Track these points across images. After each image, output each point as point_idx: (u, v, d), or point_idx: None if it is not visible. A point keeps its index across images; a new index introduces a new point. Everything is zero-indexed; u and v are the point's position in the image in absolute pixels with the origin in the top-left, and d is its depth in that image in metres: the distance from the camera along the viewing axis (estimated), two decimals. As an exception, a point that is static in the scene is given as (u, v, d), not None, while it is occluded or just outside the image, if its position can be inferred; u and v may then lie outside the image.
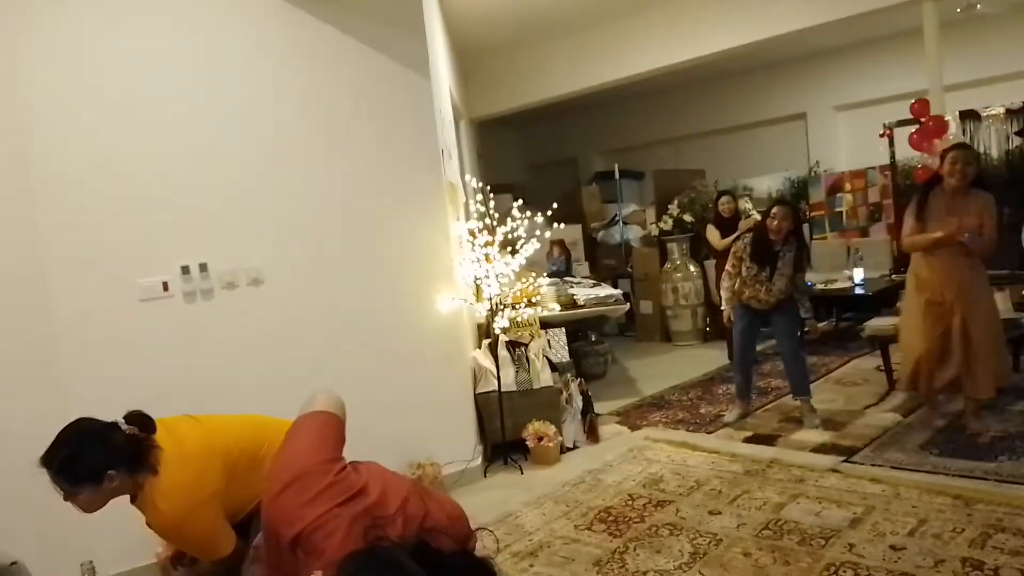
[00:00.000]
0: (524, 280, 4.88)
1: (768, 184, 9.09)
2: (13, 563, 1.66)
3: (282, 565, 1.36)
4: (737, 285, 4.69)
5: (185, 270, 3.48)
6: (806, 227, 7.44)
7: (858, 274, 6.63)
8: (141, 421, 2.06)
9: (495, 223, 4.52)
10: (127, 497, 2.09)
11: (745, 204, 7.56)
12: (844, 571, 2.85)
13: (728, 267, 4.74)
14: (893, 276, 6.83)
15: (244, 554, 2.20)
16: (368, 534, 1.30)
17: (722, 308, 4.87)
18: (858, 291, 6.47)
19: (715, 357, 6.66)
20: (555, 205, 4.98)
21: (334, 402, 1.61)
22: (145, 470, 2.01)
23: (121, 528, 2.57)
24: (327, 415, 1.56)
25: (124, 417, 2.05)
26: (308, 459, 1.42)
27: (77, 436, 1.96)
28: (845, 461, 3.95)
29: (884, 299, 6.30)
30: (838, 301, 7.20)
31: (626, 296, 6.59)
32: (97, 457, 1.94)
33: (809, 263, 4.90)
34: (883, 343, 5.18)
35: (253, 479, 2.16)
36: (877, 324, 5.23)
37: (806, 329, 4.88)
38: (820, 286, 6.66)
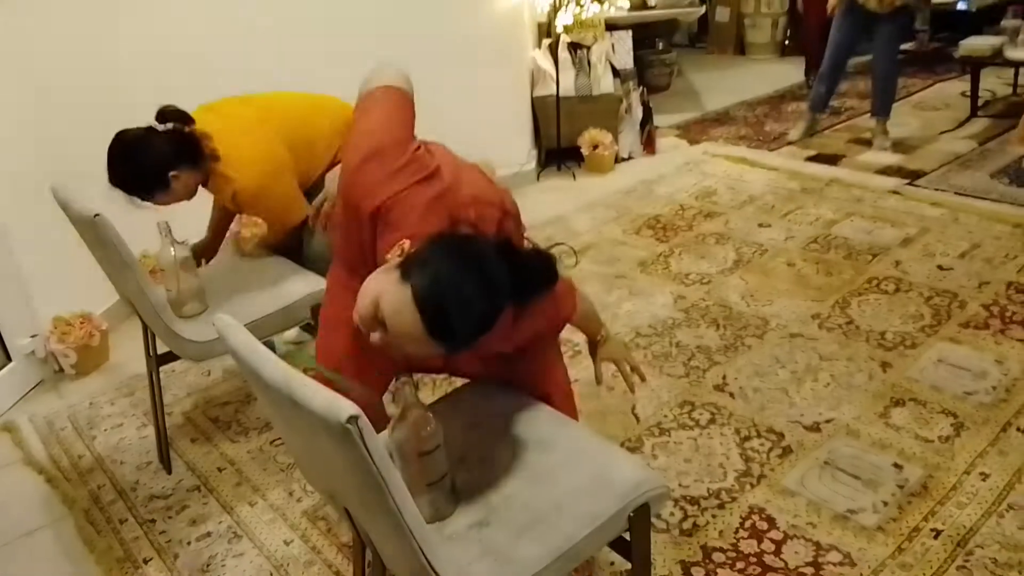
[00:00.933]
0: (592, -26, 4.47)
1: None
2: (96, 215, 1.76)
3: (360, 236, 1.39)
4: None
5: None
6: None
7: (965, -14, 5.93)
8: (175, 115, 2.02)
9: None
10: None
11: None
12: (886, 284, 2.92)
13: None
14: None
15: (305, 223, 2.31)
16: (451, 217, 1.30)
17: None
18: (960, 6, 5.83)
19: (790, 73, 6.26)
20: None
21: (403, 77, 1.54)
22: (204, 159, 2.04)
23: (194, 201, 2.72)
24: (399, 92, 1.50)
25: (156, 116, 2.00)
26: (385, 135, 1.39)
27: (124, 152, 1.96)
28: (909, 184, 3.86)
29: (988, 17, 5.68)
30: (934, 17, 6.53)
31: (702, 1, 6.06)
32: (151, 165, 1.96)
33: None
34: (975, 65, 4.77)
35: (309, 157, 2.19)
36: (973, 44, 4.76)
37: (912, 46, 4.44)
38: (917, -2, 6.01)
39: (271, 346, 2.74)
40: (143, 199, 2.00)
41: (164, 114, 2.00)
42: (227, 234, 3.49)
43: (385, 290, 1.16)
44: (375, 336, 1.19)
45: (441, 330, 1.14)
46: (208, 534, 1.98)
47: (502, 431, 1.46)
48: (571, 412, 1.64)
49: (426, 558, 1.07)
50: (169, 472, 2.22)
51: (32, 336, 2.66)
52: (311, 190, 2.22)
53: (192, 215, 2.32)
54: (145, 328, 2.13)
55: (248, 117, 2.16)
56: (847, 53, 4.40)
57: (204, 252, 2.47)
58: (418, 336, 1.14)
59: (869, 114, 4.55)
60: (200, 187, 2.12)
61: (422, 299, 1.12)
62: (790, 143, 4.66)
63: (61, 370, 2.72)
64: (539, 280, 1.28)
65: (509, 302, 1.21)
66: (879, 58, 4.34)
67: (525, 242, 1.45)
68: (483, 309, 1.17)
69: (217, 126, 2.07)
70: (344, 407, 0.94)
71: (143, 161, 1.96)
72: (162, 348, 2.10)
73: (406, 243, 1.26)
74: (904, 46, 4.41)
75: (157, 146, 1.96)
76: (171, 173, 1.98)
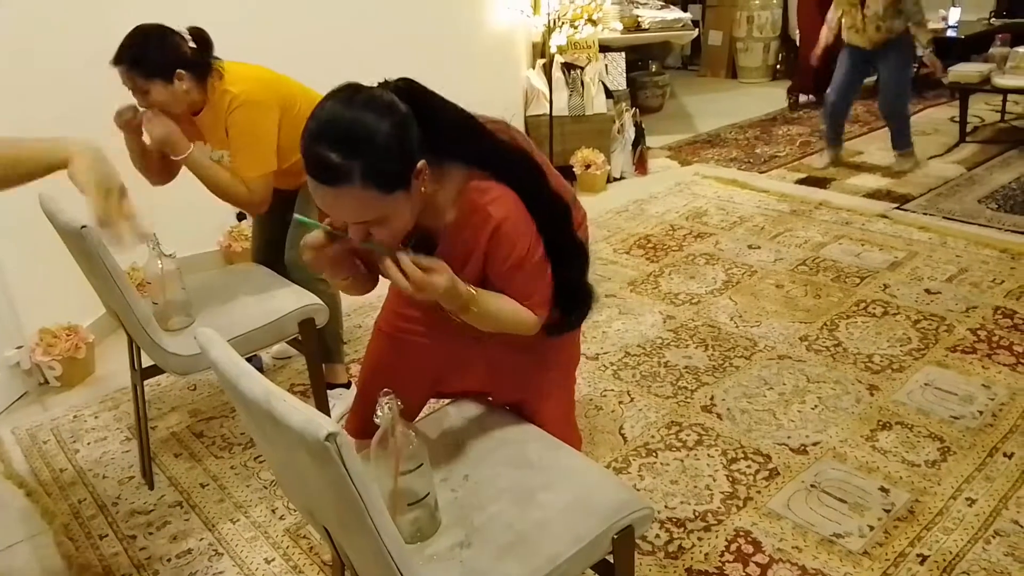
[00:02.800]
0: (586, -5, 4.52)
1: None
2: (83, 227, 1.75)
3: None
4: (839, 14, 4.19)
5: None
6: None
7: (954, 15, 6.01)
8: (201, 37, 2.08)
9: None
10: (187, 186, 2.16)
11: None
12: (873, 308, 2.93)
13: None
14: (992, 20, 6.17)
15: (286, 230, 2.31)
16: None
17: (820, 41, 4.43)
18: (950, 34, 5.90)
19: (781, 97, 6.32)
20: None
21: None
22: (211, 75, 2.07)
23: (184, 215, 2.71)
24: None
25: (187, 29, 2.07)
26: None
27: (144, 34, 2.00)
28: (897, 208, 3.89)
29: (976, 46, 5.75)
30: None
31: (695, 24, 6.13)
32: (166, 53, 2.00)
33: None
34: (964, 91, 4.83)
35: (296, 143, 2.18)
36: (962, 70, 4.82)
37: (922, 69, 4.39)
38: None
39: (257, 361, 2.73)
40: (142, 79, 1.99)
41: (191, 32, 2.06)
42: (217, 245, 3.49)
43: None
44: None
45: (322, 169, 1.13)
46: (189, 551, 1.96)
47: (486, 450, 1.45)
48: (572, 438, 1.61)
49: (405, 579, 1.06)
50: (151, 487, 2.20)
51: (17, 347, 2.63)
52: (298, 188, 2.24)
53: (180, 228, 2.31)
54: (131, 341, 2.11)
55: (253, 69, 2.20)
56: (849, 91, 4.37)
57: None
58: (313, 186, 1.16)
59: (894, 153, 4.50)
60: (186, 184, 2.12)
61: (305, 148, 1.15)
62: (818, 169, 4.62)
63: (46, 382, 2.70)
64: (456, 135, 1.28)
65: (409, 126, 1.18)
66: (883, 97, 4.31)
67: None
68: (360, 130, 1.13)
69: (229, 65, 2.14)
70: (323, 424, 0.93)
71: (159, 44, 2.00)
72: (147, 361, 2.08)
73: None
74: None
75: (176, 42, 2.03)
76: (178, 70, 2.01)
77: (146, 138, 2.10)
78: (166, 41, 2.01)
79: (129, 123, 2.07)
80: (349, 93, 1.18)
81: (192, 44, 2.05)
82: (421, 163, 1.20)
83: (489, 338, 1.42)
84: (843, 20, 4.19)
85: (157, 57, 1.99)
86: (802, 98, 6.15)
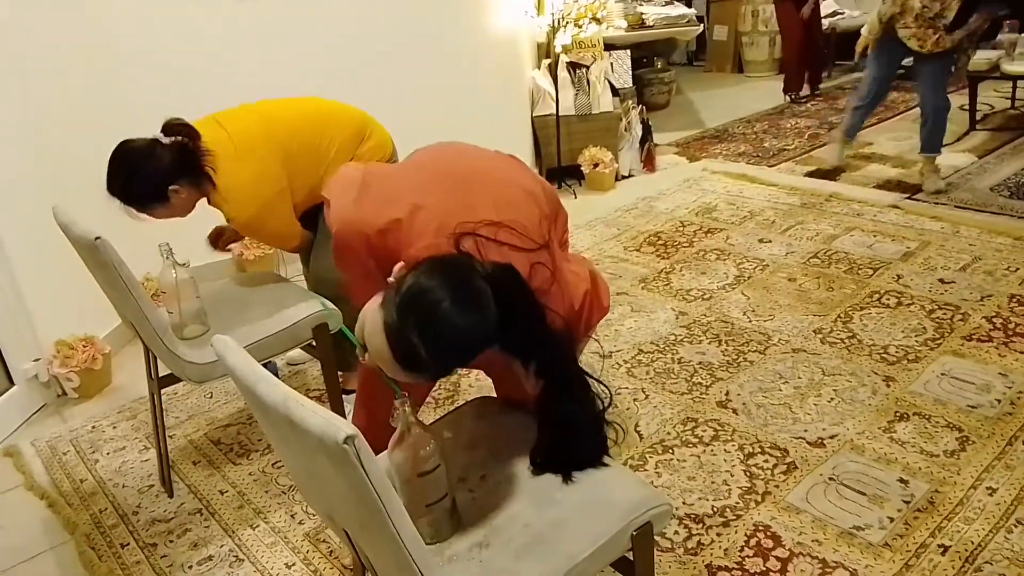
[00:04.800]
0: (590, -6, 4.52)
1: None
2: (97, 238, 1.77)
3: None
4: (893, 12, 3.73)
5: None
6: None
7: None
8: (181, 129, 2.00)
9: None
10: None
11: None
12: (887, 298, 2.91)
13: None
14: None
15: (312, 242, 2.32)
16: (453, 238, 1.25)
17: (864, 35, 3.98)
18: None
19: (787, 90, 6.31)
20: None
21: None
22: (203, 176, 2.02)
23: (197, 224, 2.73)
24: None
25: (162, 129, 1.99)
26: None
27: (126, 161, 1.95)
28: (908, 198, 3.87)
29: (985, 32, 5.68)
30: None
31: (699, 19, 6.12)
32: (152, 176, 1.95)
33: None
34: (973, 79, 4.80)
35: (314, 169, 2.18)
36: (973, 58, 4.79)
37: (957, 66, 4.11)
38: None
39: (272, 367, 2.74)
40: (139, 211, 2.00)
41: (169, 127, 1.99)
42: (230, 254, 3.51)
43: (369, 311, 1.15)
44: (365, 356, 1.19)
45: (409, 360, 1.11)
46: (210, 558, 1.97)
47: (503, 450, 1.45)
48: None
49: (426, 580, 1.07)
50: (171, 495, 2.21)
51: (35, 360, 2.66)
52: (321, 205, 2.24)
53: (193, 236, 2.33)
54: (147, 350, 2.13)
55: (252, 134, 2.11)
56: (885, 86, 4.13)
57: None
58: (389, 362, 1.12)
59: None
60: (201, 202, 2.13)
61: (389, 327, 1.10)
62: (832, 167, 4.43)
63: (64, 394, 2.72)
64: (531, 323, 1.21)
65: (494, 336, 1.15)
66: (926, 94, 3.92)
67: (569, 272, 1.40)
68: (457, 339, 1.12)
69: (219, 146, 2.04)
70: (341, 427, 0.93)
71: (144, 172, 1.94)
72: (164, 370, 2.09)
73: (400, 264, 1.25)
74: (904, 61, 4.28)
75: (160, 158, 1.95)
76: (171, 187, 1.98)
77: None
78: (151, 161, 1.95)
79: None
80: (454, 280, 1.12)
81: (172, 140, 1.98)
82: None
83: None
84: (896, 25, 3.76)
85: (146, 188, 1.96)
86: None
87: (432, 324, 1.09)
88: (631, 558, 1.32)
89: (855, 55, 4.18)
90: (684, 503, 1.99)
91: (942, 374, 2.43)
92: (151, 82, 3.06)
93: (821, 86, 6.36)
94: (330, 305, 2.11)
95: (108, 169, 1.95)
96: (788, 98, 6.17)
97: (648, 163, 4.72)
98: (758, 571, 1.77)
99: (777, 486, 2.02)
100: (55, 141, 2.75)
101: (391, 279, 1.21)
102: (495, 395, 1.71)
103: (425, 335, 1.09)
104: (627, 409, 2.40)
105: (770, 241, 3.52)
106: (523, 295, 1.21)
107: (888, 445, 2.13)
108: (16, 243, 2.57)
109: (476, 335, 1.13)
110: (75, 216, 1.89)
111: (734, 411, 2.34)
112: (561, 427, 1.33)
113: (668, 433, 2.27)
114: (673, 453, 2.19)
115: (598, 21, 4.51)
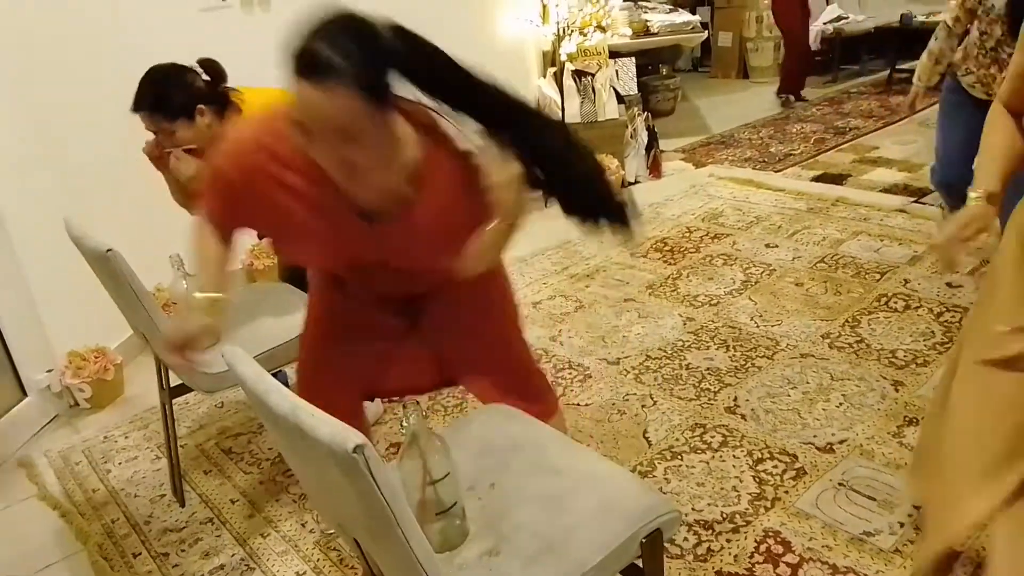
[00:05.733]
0: (594, 2, 4.54)
1: None
2: (108, 250, 1.79)
3: None
4: (958, 56, 2.73)
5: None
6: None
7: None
8: (213, 69, 2.08)
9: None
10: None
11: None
12: (895, 302, 2.91)
13: (948, 20, 2.74)
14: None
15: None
16: None
17: (915, 82, 3.01)
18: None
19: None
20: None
21: None
22: (230, 108, 2.08)
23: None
24: None
25: (197, 63, 2.08)
26: None
27: (160, 76, 2.02)
28: (915, 202, 3.86)
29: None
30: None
31: (704, 26, 6.13)
32: (185, 91, 2.02)
33: None
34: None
35: None
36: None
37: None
38: (921, 17, 6.07)
39: (282, 376, 2.75)
40: (167, 122, 2.02)
41: (202, 64, 2.06)
42: (240, 265, 3.53)
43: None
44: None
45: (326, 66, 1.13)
46: (221, 567, 1.98)
47: (512, 457, 1.46)
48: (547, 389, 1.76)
49: (436, 587, 1.07)
50: (183, 505, 2.23)
51: (47, 371, 2.68)
52: None
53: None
54: (158, 361, 2.14)
55: (277, 93, 2.19)
56: (967, 150, 2.29)
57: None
58: (341, 106, 1.15)
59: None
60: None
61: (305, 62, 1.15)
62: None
63: (76, 404, 2.75)
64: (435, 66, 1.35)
65: (400, 53, 1.26)
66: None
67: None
68: (359, 35, 1.18)
69: (244, 93, 2.13)
70: (350, 436, 0.94)
71: (180, 83, 2.01)
72: (175, 381, 2.11)
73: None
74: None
75: (194, 80, 2.04)
76: (199, 106, 2.02)
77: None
78: (183, 79, 2.02)
79: (156, 159, 2.12)
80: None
81: (205, 77, 2.06)
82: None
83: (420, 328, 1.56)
84: (968, 67, 2.70)
85: (178, 97, 2.01)
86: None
87: (329, 23, 1.17)
88: (640, 565, 1.33)
89: (906, 106, 3.23)
90: (693, 509, 1.99)
91: (951, 378, 2.42)
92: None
93: (803, 92, 6.32)
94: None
95: (140, 85, 1.99)
96: (781, 99, 6.21)
97: (654, 170, 4.73)
98: (768, 577, 1.77)
99: (787, 492, 2.02)
100: (68, 152, 2.78)
101: None
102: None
103: (321, 33, 1.15)
104: (635, 415, 2.40)
105: (777, 246, 3.52)
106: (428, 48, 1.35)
107: (898, 450, 2.13)
108: (29, 255, 2.60)
109: (377, 31, 1.21)
110: (87, 228, 1.92)
111: (743, 417, 2.34)
112: (558, 163, 1.43)
113: (677, 439, 2.27)
114: (682, 459, 2.19)
115: (603, 29, 4.53)
